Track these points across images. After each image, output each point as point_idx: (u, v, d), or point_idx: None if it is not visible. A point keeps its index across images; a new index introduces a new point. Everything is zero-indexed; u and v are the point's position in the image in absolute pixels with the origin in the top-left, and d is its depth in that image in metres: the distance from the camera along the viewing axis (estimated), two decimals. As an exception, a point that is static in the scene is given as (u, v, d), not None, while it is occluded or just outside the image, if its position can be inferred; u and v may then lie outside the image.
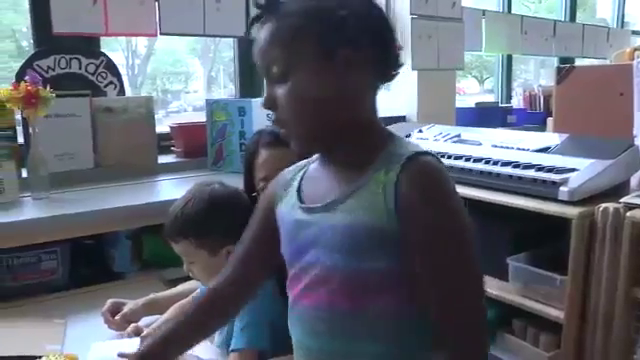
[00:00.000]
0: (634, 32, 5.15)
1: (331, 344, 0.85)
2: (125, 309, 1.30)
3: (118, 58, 2.92)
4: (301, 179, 0.95)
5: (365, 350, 0.83)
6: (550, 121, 2.60)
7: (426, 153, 0.83)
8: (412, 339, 0.83)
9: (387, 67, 0.87)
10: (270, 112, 0.89)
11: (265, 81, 0.89)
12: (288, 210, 0.92)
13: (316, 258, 0.87)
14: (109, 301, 1.32)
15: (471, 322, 0.81)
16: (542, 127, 3.31)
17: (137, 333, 1.25)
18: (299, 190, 0.93)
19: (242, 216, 1.21)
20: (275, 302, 1.19)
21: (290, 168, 0.99)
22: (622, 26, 5.18)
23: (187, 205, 1.20)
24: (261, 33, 0.85)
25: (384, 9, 0.89)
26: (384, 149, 0.85)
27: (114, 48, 2.78)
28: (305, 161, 0.97)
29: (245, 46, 2.57)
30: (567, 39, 4.26)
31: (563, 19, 4.48)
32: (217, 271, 1.17)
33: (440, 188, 0.81)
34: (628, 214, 1.34)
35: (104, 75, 2.14)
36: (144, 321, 1.35)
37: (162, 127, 2.43)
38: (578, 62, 4.62)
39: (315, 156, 0.95)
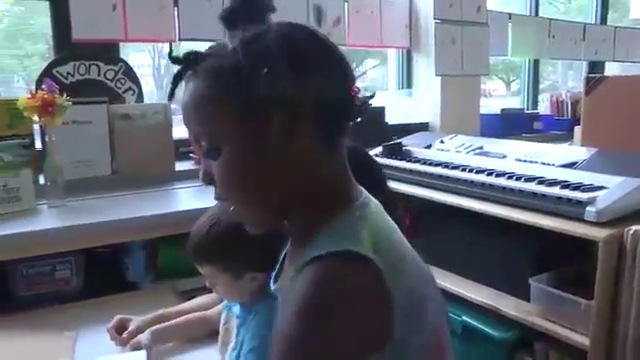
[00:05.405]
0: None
1: None
2: (131, 326, 1.27)
3: (144, 59, 2.92)
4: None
5: None
6: (578, 130, 2.52)
7: (346, 256, 0.64)
8: None
9: (342, 119, 0.72)
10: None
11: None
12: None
13: None
14: (116, 317, 1.29)
15: None
16: (569, 135, 3.21)
17: (139, 347, 1.23)
18: (284, 258, 0.86)
19: (270, 243, 1.19)
20: None
21: None
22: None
23: (212, 230, 1.14)
24: (184, 95, 0.72)
25: (330, 44, 0.72)
26: (319, 234, 0.69)
27: (140, 49, 2.78)
28: None
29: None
30: (597, 43, 4.14)
31: (593, 21, 4.36)
32: (241, 293, 1.17)
33: (317, 310, 0.61)
34: (660, 238, 1.25)
35: (122, 81, 2.13)
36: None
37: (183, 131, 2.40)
38: (608, 66, 4.49)
39: None
